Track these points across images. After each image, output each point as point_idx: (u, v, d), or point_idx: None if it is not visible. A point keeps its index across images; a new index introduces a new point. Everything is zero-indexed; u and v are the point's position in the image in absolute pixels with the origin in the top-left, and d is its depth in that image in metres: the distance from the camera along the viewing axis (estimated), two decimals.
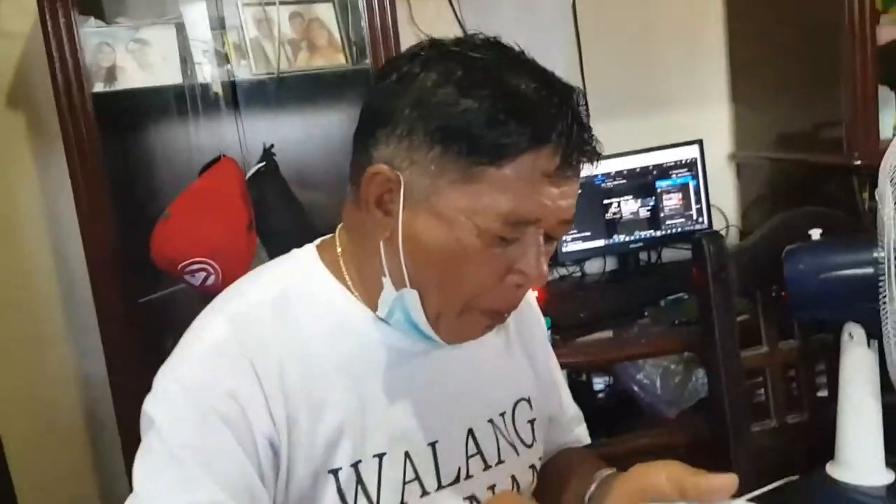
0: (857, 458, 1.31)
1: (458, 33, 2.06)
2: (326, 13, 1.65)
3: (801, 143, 2.03)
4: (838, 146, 1.84)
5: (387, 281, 0.78)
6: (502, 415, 0.91)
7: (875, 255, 1.14)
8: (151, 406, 0.74)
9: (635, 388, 1.84)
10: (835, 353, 1.28)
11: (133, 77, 1.53)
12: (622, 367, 1.90)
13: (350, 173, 0.80)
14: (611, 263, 2.25)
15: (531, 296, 1.01)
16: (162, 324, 1.61)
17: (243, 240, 1.43)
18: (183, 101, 1.57)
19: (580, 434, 1.09)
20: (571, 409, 1.09)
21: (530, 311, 1.01)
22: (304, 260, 0.84)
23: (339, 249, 0.84)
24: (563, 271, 2.21)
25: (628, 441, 1.75)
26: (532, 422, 0.94)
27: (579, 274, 2.23)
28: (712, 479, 0.71)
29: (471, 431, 0.87)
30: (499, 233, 0.72)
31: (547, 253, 0.77)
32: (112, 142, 1.56)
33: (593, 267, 2.24)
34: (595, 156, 0.76)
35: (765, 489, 1.40)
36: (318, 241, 0.87)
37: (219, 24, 1.60)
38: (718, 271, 1.45)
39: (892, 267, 1.11)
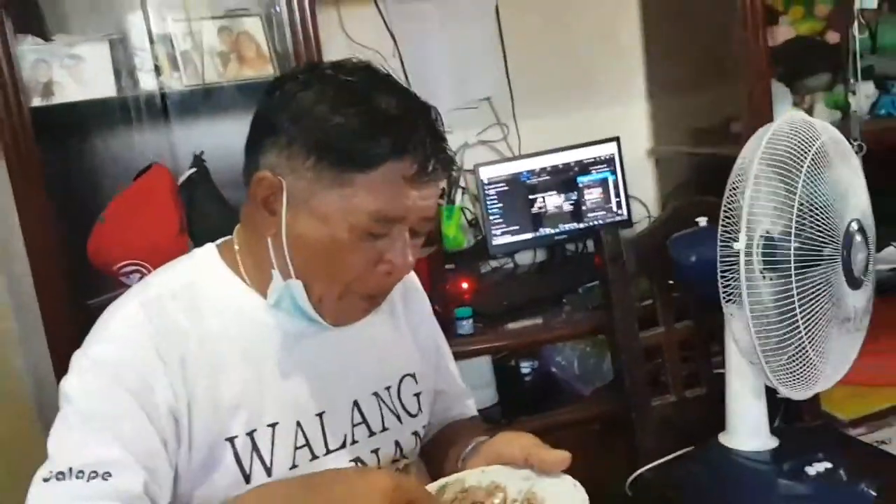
0: (744, 427, 1.45)
1: (387, 40, 2.18)
2: (254, 26, 1.75)
3: (711, 137, 2.17)
4: (737, 139, 1.98)
5: (275, 273, 0.90)
6: (388, 388, 1.03)
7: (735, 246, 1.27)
8: (65, 382, 0.85)
9: (555, 370, 1.98)
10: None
11: (69, 91, 1.61)
12: (545, 351, 2.04)
13: (244, 177, 0.92)
14: (541, 255, 2.38)
15: (416, 280, 1.14)
16: None
17: (175, 242, 1.54)
18: (117, 112, 1.67)
19: (468, 406, 1.21)
20: (459, 385, 1.21)
21: (416, 294, 1.14)
22: (205, 256, 0.96)
23: (236, 246, 0.96)
24: (494, 263, 2.33)
25: (550, 417, 1.88)
26: (418, 395, 1.06)
27: (511, 265, 2.36)
28: (549, 453, 0.86)
29: (356, 403, 0.99)
30: (368, 229, 0.85)
31: (414, 246, 0.90)
32: (51, 152, 1.64)
33: (525, 258, 2.37)
34: (449, 164, 0.89)
35: (664, 459, 1.54)
36: (218, 241, 0.99)
37: (150, 39, 1.69)
38: (615, 259, 1.59)
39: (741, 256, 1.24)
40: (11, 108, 1.55)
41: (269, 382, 0.92)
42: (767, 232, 1.25)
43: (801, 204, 1.21)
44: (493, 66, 2.30)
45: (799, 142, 1.23)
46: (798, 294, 1.21)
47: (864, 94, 1.97)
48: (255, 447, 0.90)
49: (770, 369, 1.27)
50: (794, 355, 1.24)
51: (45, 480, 0.78)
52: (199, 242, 1.58)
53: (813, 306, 1.22)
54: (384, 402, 1.02)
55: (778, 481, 1.37)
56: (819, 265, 1.22)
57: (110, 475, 0.78)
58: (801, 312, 1.21)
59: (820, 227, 1.21)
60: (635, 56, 2.44)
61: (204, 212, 1.61)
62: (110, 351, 0.85)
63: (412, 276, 1.14)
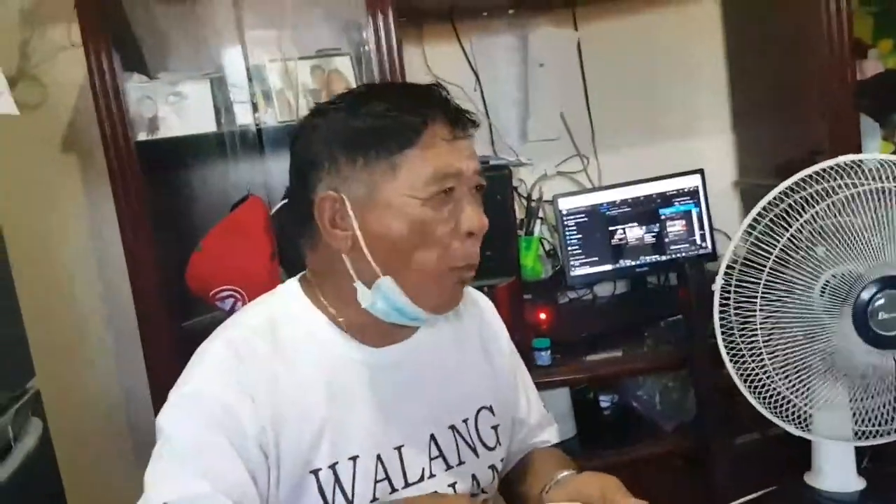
0: (830, 467, 1.41)
1: (470, 75, 2.24)
2: (344, 65, 1.83)
3: (797, 170, 2.13)
4: None
5: (358, 284, 0.94)
6: (465, 421, 1.05)
7: None
8: (160, 418, 0.89)
9: (635, 404, 1.96)
10: None
11: (172, 126, 1.72)
12: (625, 385, 2.02)
13: (297, 228, 0.99)
14: (621, 287, 2.37)
15: (493, 311, 1.17)
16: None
17: (267, 269, 1.61)
18: (216, 146, 1.76)
19: (548, 435, 1.21)
20: (539, 413, 1.21)
21: (493, 324, 1.16)
22: (288, 292, 1.01)
23: (315, 280, 1.01)
24: (572, 294, 2.33)
25: (630, 452, 1.86)
26: (495, 427, 1.08)
27: (590, 296, 2.35)
28: (627, 499, 0.88)
29: (433, 436, 1.01)
30: (435, 192, 0.91)
31: (480, 204, 0.96)
32: (154, 183, 1.75)
33: (604, 290, 2.36)
34: (473, 122, 0.96)
35: (747, 498, 1.51)
36: (298, 276, 1.04)
37: (248, 77, 1.78)
38: (699, 292, 1.58)
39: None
40: (119, 141, 1.67)
41: (349, 415, 0.95)
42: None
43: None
44: (574, 100, 2.32)
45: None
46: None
47: None
48: (337, 480, 0.92)
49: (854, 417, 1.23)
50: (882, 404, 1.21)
51: None
52: (289, 269, 1.68)
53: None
54: (461, 435, 1.04)
55: None
56: None
57: None
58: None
59: None
60: (720, 88, 2.41)
61: (294, 240, 1.67)
62: (200, 388, 0.89)
63: (489, 307, 1.17)
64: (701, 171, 2.27)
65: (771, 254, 1.20)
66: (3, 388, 1.43)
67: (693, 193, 2.27)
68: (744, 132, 2.41)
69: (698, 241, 2.27)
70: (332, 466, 0.93)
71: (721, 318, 1.26)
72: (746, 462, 1.57)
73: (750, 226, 1.22)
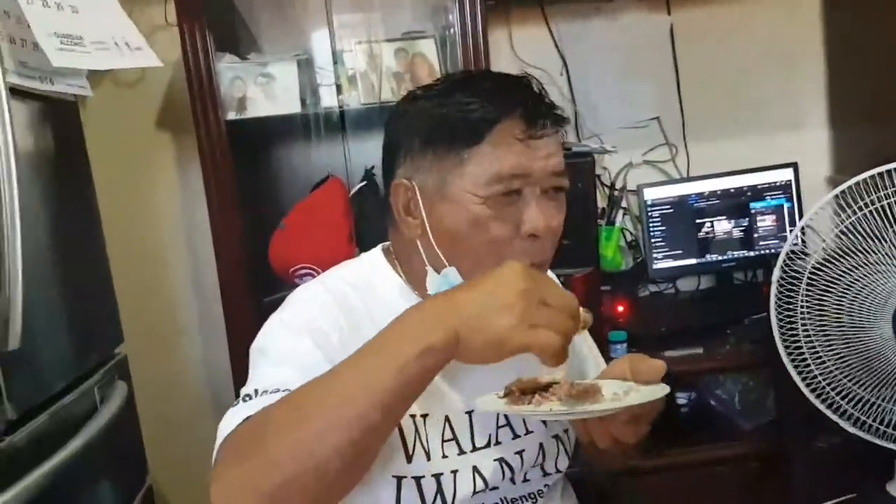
0: None
1: (556, 59, 2.20)
2: (428, 48, 1.83)
3: None
4: None
5: (429, 268, 0.95)
6: None
7: None
8: (256, 343, 0.93)
9: (713, 403, 1.90)
10: None
11: (260, 106, 1.76)
12: (704, 383, 1.96)
13: (382, 205, 1.01)
14: (706, 281, 2.30)
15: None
16: None
17: (344, 249, 1.63)
18: (301, 127, 1.80)
19: None
20: None
21: None
22: (373, 259, 1.04)
23: (394, 255, 1.03)
24: (654, 288, 2.28)
25: (705, 452, 1.81)
26: None
27: (672, 291, 2.29)
28: (648, 362, 0.87)
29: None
30: (497, 192, 0.90)
31: (552, 208, 0.94)
32: (241, 161, 1.80)
33: (688, 285, 2.30)
34: (560, 120, 0.93)
35: None
36: (381, 246, 1.06)
37: (333, 60, 1.81)
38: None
39: None
40: (210, 120, 1.72)
41: None
42: None
43: None
44: (664, 87, 2.26)
45: None
46: None
47: None
48: (416, 430, 0.94)
49: None
50: None
51: (234, 407, 0.84)
52: (365, 250, 1.70)
53: None
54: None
55: None
56: None
57: (289, 390, 0.81)
58: None
59: None
60: (818, 82, 2.30)
61: (371, 222, 1.70)
62: (301, 314, 0.93)
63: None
64: (794, 165, 2.17)
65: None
66: (93, 352, 1.50)
67: (785, 188, 2.18)
68: (841, 128, 2.30)
69: (789, 238, 2.18)
70: (412, 417, 0.95)
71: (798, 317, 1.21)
72: (826, 467, 1.51)
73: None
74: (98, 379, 1.45)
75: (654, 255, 2.16)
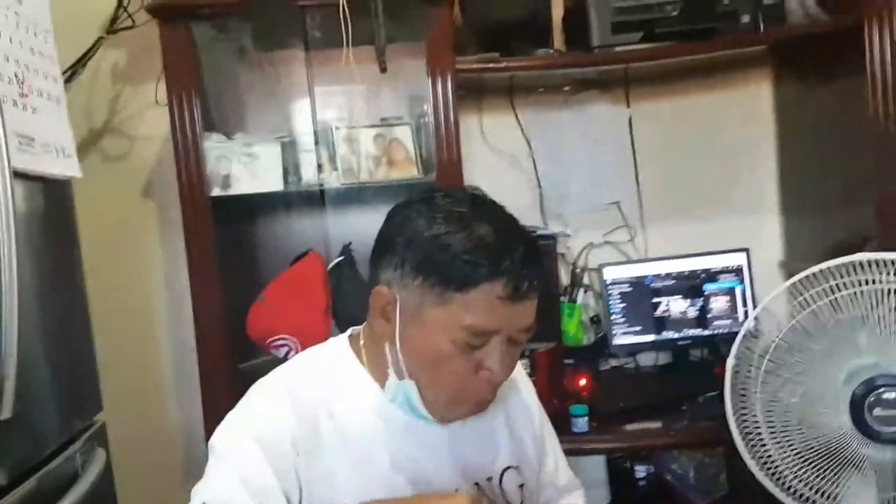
0: None
1: (524, 145, 2.34)
2: (404, 134, 1.96)
3: (844, 254, 2.15)
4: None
5: (391, 372, 1.03)
6: (489, 479, 1.11)
7: None
8: (214, 438, 1.00)
9: (669, 478, 1.98)
10: None
11: (244, 184, 1.86)
12: (660, 457, 2.05)
13: (359, 279, 1.07)
14: (664, 357, 2.40)
15: (521, 370, 1.23)
16: None
17: (321, 321, 1.71)
18: (282, 203, 1.89)
19: (575, 499, 1.25)
20: (567, 476, 1.26)
21: (519, 383, 1.22)
22: (339, 349, 1.11)
23: (362, 341, 1.10)
24: (614, 362, 2.37)
25: None
26: (521, 486, 1.14)
27: (633, 365, 2.39)
28: None
29: (457, 490, 1.06)
30: (466, 341, 0.97)
31: (512, 354, 1.01)
32: (223, 235, 1.88)
33: (647, 359, 2.40)
34: (540, 285, 0.99)
35: None
36: (348, 332, 1.14)
37: (315, 141, 1.92)
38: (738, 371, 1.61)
39: None
40: (196, 196, 1.81)
41: (379, 471, 1.03)
42: None
43: None
44: (623, 173, 2.40)
45: None
46: None
47: None
48: None
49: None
50: None
51: None
52: (340, 322, 1.78)
53: None
54: (485, 492, 1.10)
55: None
56: None
57: None
58: None
59: None
60: (769, 169, 2.46)
61: (347, 296, 1.78)
62: (254, 415, 1.00)
63: (527, 387, 1.23)
64: (746, 250, 2.31)
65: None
66: (75, 419, 1.55)
67: (738, 271, 2.31)
68: (792, 213, 2.44)
69: (741, 319, 2.30)
70: None
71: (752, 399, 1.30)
72: None
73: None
74: (80, 446, 1.50)
75: (614, 331, 2.26)
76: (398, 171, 1.94)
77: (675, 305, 2.29)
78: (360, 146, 1.92)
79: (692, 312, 2.29)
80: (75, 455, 1.46)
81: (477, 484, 1.10)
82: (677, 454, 1.99)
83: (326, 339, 1.66)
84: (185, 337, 2.14)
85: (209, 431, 1.83)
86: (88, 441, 1.53)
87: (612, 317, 2.26)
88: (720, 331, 2.28)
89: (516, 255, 0.96)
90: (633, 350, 2.33)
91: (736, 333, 2.22)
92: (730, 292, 2.31)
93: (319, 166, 1.90)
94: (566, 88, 2.35)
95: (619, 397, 2.08)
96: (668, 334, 2.28)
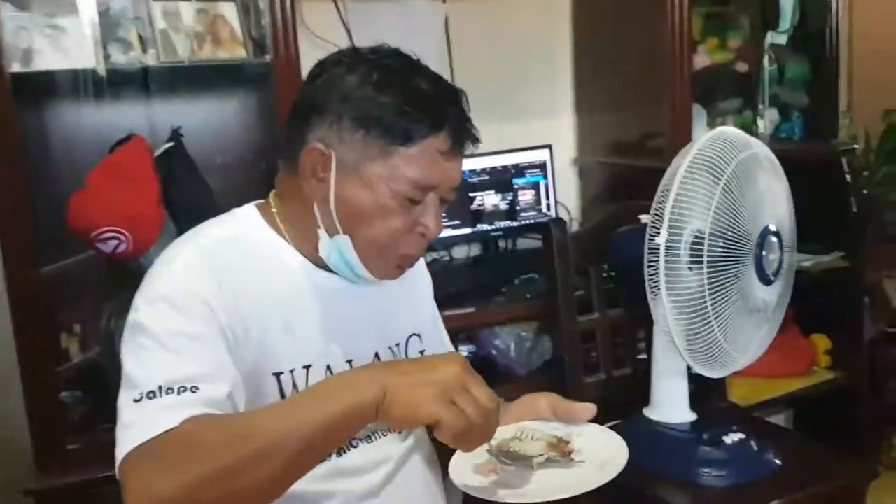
0: (667, 402, 1.64)
1: (344, 36, 2.29)
2: (229, 10, 1.82)
3: (630, 149, 2.41)
4: (660, 152, 2.22)
5: (321, 231, 1.01)
6: (398, 345, 1.15)
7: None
8: (134, 316, 0.92)
9: (494, 353, 2.14)
10: (651, 321, 1.55)
11: (49, 59, 1.63)
12: (483, 336, 2.19)
13: (284, 153, 1.04)
14: (474, 250, 2.53)
15: (423, 263, 1.28)
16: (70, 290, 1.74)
17: (155, 212, 1.59)
18: (96, 84, 1.70)
19: None
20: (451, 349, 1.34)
21: (422, 268, 1.27)
22: (249, 215, 1.07)
23: (274, 210, 1.06)
24: (433, 255, 2.47)
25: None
26: (422, 352, 1.19)
27: (448, 258, 2.50)
28: (576, 404, 1.04)
29: (377, 355, 1.11)
30: (408, 195, 0.98)
31: (439, 213, 1.03)
32: (29, 116, 1.68)
33: (459, 252, 2.51)
34: (475, 140, 1.04)
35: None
36: (252, 203, 1.09)
37: (131, 15, 1.73)
38: (562, 251, 1.76)
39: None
40: None
41: (303, 329, 1.03)
42: (698, 231, 1.43)
43: (720, 206, 1.38)
44: (440, 71, 2.43)
45: (727, 150, 1.42)
46: (709, 286, 1.39)
47: (769, 119, 2.24)
48: (294, 386, 1.00)
49: (688, 352, 1.46)
50: (707, 339, 1.43)
51: (136, 401, 0.85)
52: (175, 215, 1.67)
53: (723, 297, 1.40)
54: (397, 357, 1.14)
55: (699, 448, 1.57)
56: (735, 262, 1.40)
57: (198, 388, 0.86)
58: (710, 301, 1.40)
59: (736, 228, 1.40)
60: (566, 73, 2.64)
61: (181, 185, 1.66)
62: (177, 284, 0.94)
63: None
64: (549, 147, 2.49)
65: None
66: None
67: (542, 166, 2.48)
68: (585, 114, 2.65)
69: (544, 210, 2.49)
70: (291, 372, 1.00)
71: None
72: (595, 400, 1.78)
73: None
74: None
75: None
76: (224, 50, 1.81)
77: (489, 199, 2.42)
78: (180, 21, 1.76)
79: (503, 206, 2.44)
80: None
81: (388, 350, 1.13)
82: (499, 331, 2.14)
83: (160, 232, 1.58)
84: None
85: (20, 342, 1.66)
86: None
87: None
88: (527, 220, 2.46)
89: (457, 108, 0.99)
90: (450, 243, 2.43)
91: (540, 224, 2.44)
92: (535, 186, 2.48)
93: (141, 41, 1.72)
94: None
95: (442, 287, 2.15)
96: (483, 227, 2.42)
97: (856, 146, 2.36)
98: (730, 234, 1.40)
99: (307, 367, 1.02)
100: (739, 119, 2.37)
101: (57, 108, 1.82)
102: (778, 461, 1.58)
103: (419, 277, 1.27)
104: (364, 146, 0.97)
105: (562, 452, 0.99)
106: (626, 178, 2.42)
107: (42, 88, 1.70)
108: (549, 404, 1.05)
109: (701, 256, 1.40)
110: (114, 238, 1.56)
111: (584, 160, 2.67)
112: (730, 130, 1.50)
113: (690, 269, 1.43)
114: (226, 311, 0.94)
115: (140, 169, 1.60)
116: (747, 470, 1.55)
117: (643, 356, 1.82)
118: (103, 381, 1.52)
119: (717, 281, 1.40)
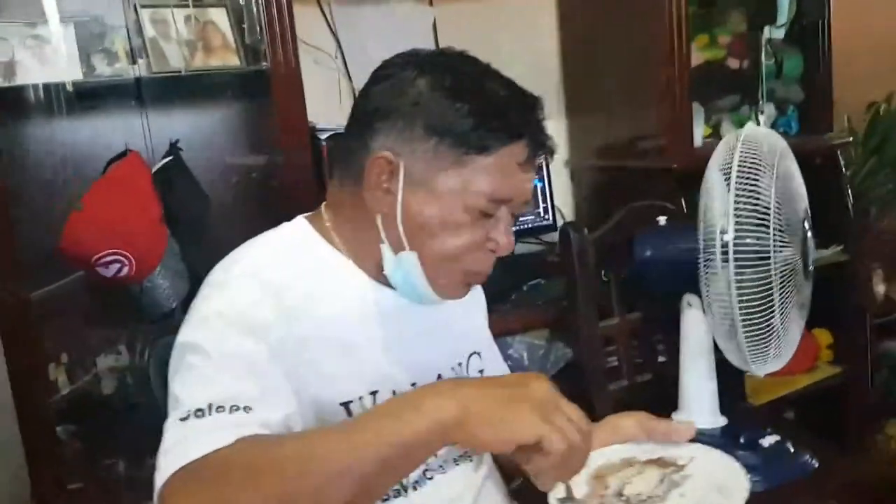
0: (697, 406, 1.59)
1: (331, 40, 2.21)
2: (219, 16, 1.73)
3: (625, 151, 2.37)
4: (659, 153, 2.18)
5: (385, 247, 0.93)
6: (460, 364, 1.08)
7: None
8: (187, 335, 0.84)
9: (508, 363, 2.07)
10: (670, 324, 1.51)
11: (32, 73, 1.52)
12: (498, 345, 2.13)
13: (341, 161, 0.97)
14: None
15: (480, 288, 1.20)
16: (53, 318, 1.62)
17: (157, 231, 1.49)
18: (85, 97, 1.59)
19: None
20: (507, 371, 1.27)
21: (479, 293, 1.21)
22: (302, 230, 0.99)
23: (328, 224, 0.98)
24: None
25: None
26: (481, 371, 1.12)
27: None
28: (675, 423, 0.99)
29: (440, 376, 1.03)
30: (482, 209, 0.91)
31: (510, 227, 0.97)
32: (14, 132, 1.57)
33: None
34: (551, 151, 0.97)
35: None
36: (302, 216, 1.01)
37: (118, 25, 1.63)
38: (582, 255, 1.71)
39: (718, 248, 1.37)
40: None
41: (365, 351, 0.95)
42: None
43: (778, 199, 1.35)
44: None
45: (772, 143, 1.39)
46: (777, 281, 1.35)
47: (766, 115, 2.23)
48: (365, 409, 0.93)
49: (748, 346, 1.41)
50: (769, 333, 1.39)
51: (183, 419, 0.76)
52: (177, 233, 1.56)
53: (786, 290, 1.37)
54: (459, 377, 1.07)
55: (736, 453, 1.53)
56: (792, 254, 1.37)
57: (251, 409, 0.77)
58: (778, 294, 1.36)
59: (788, 220, 1.37)
60: (553, 75, 2.60)
61: (182, 202, 1.56)
62: (230, 303, 0.86)
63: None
64: None
65: None
66: None
67: (538, 169, 2.42)
68: (575, 116, 2.61)
69: (542, 214, 2.43)
70: (360, 399, 0.93)
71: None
72: (621, 406, 1.73)
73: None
74: None
75: None
76: (216, 58, 1.72)
77: None
78: (170, 29, 1.66)
79: None
80: None
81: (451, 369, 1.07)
82: (510, 340, 2.08)
83: (163, 250, 1.47)
84: None
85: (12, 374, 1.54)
86: None
87: None
88: (526, 226, 2.40)
89: (536, 116, 0.93)
90: None
91: (538, 227, 2.39)
92: (532, 189, 2.42)
93: (130, 51, 1.61)
94: None
95: None
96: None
97: (850, 139, 2.36)
98: (784, 227, 1.36)
99: (374, 394, 0.94)
100: (737, 116, 2.35)
101: (40, 124, 1.70)
102: (815, 462, 1.54)
103: (475, 294, 1.19)
104: (435, 156, 0.90)
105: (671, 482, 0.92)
106: (621, 180, 2.39)
107: (27, 104, 1.58)
108: (638, 424, 0.98)
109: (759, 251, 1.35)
110: (116, 261, 1.45)
111: (576, 163, 2.63)
112: (756, 128, 1.47)
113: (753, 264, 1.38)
114: (281, 333, 0.86)
115: (138, 186, 1.50)
116: (785, 472, 1.51)
117: (662, 359, 1.79)
118: (97, 413, 1.44)
119: (783, 274, 1.36)
